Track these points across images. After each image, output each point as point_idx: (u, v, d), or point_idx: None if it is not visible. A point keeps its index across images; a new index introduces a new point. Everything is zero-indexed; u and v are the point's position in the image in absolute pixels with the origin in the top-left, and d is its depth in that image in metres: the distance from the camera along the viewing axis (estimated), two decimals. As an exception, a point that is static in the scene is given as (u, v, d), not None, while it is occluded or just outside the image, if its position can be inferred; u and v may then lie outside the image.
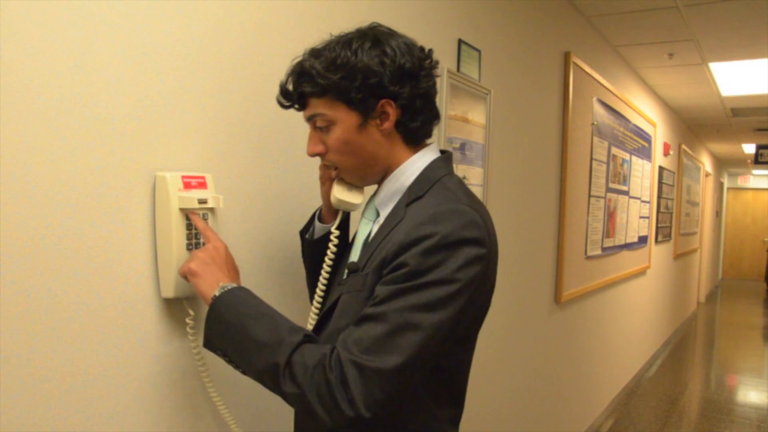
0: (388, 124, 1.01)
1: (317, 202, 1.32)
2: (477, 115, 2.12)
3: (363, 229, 1.09)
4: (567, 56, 3.01)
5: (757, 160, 7.78)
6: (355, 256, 1.07)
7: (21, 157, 0.83)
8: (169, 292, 1.03)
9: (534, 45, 2.65)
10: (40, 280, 0.86)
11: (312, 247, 1.21)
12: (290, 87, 1.03)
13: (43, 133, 0.86)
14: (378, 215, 1.08)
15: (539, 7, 2.69)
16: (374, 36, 1.00)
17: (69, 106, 0.89)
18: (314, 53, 1.01)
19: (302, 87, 1.00)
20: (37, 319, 0.86)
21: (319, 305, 1.11)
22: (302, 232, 1.23)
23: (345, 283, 1.02)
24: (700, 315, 8.32)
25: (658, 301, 5.75)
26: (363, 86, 0.97)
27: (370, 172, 1.06)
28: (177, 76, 1.05)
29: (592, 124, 3.41)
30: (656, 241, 5.34)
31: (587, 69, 3.29)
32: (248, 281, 1.22)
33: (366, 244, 1.07)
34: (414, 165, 1.05)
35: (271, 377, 0.89)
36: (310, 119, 1.04)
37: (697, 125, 7.01)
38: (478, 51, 2.12)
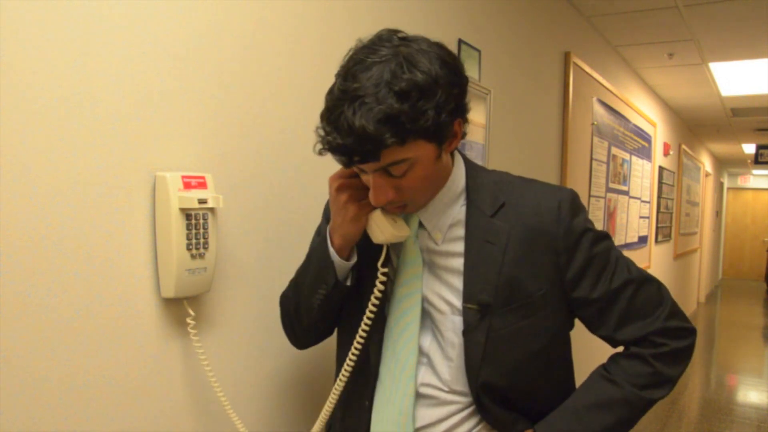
0: (455, 143, 0.94)
1: (318, 202, 1.32)
2: (477, 115, 2.12)
3: (410, 249, 1.01)
4: (567, 56, 3.01)
5: (757, 160, 7.78)
6: (414, 279, 1.00)
7: (21, 157, 0.83)
8: (169, 292, 1.03)
9: (534, 45, 2.65)
10: (40, 280, 0.86)
11: (343, 291, 1.04)
12: (361, 140, 0.82)
13: (43, 133, 0.86)
14: (421, 227, 1.01)
15: (539, 7, 2.69)
16: (437, 49, 0.88)
17: (69, 106, 0.89)
18: (387, 87, 0.81)
19: (384, 137, 0.81)
20: (37, 319, 0.86)
21: (360, 345, 1.01)
22: (337, 282, 1.02)
23: (473, 317, 0.95)
24: (700, 315, 8.31)
25: (658, 301, 5.74)
26: (448, 114, 0.86)
27: (435, 195, 0.99)
28: (177, 76, 1.05)
29: (592, 124, 3.41)
30: (656, 241, 5.34)
31: (587, 69, 3.29)
32: (248, 281, 1.23)
33: (427, 263, 1.00)
34: (458, 170, 1.02)
35: (647, 407, 1.03)
36: (379, 169, 0.88)
37: (697, 125, 7.01)
38: (478, 51, 2.12)
